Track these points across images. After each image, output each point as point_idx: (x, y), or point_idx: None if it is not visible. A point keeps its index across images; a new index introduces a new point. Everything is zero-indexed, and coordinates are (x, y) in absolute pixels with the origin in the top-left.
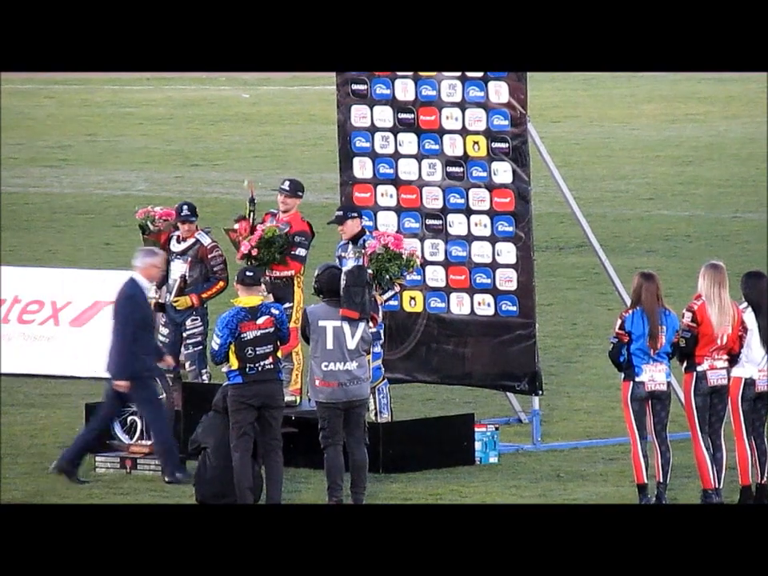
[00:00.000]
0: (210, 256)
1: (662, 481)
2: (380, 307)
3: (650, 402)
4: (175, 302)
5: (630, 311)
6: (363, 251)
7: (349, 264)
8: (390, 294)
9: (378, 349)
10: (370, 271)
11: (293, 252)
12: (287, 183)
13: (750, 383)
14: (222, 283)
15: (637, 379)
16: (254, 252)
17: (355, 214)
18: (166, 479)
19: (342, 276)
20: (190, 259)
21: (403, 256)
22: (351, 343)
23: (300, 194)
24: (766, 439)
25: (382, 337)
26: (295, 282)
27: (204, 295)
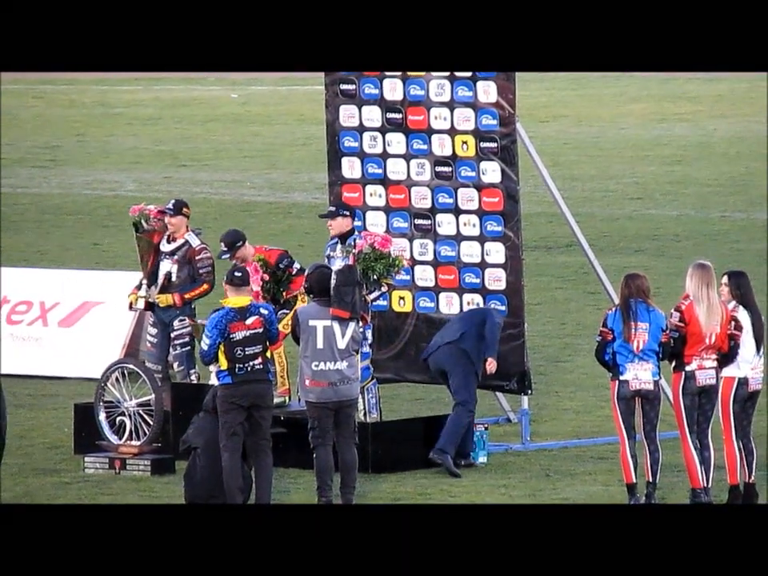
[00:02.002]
0: (197, 258)
1: (650, 480)
2: (368, 307)
3: (638, 401)
4: (157, 298)
5: (613, 309)
6: (352, 250)
7: (337, 263)
8: (376, 293)
9: (366, 349)
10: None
11: (293, 273)
12: (222, 245)
13: (743, 383)
14: (206, 286)
15: (621, 378)
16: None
17: (347, 213)
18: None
19: (333, 275)
20: (177, 259)
21: (391, 256)
22: (341, 343)
23: (239, 244)
24: (752, 438)
25: (370, 337)
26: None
27: (187, 296)
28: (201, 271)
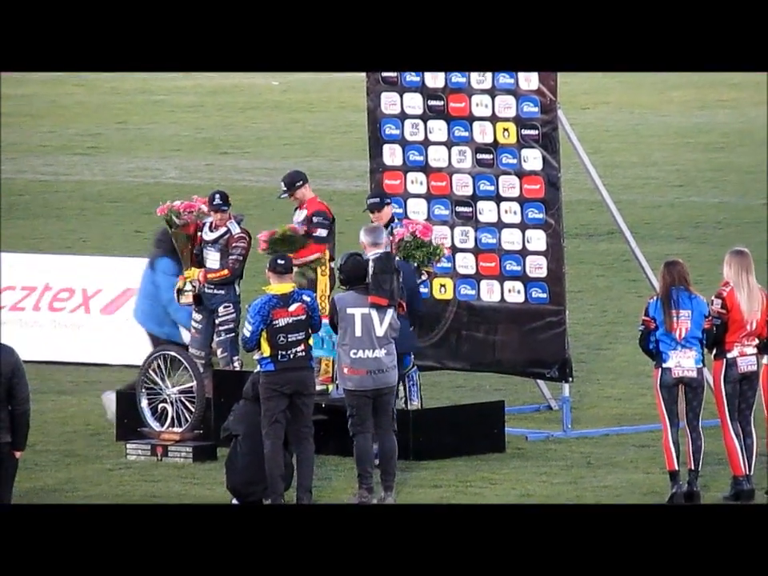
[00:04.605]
0: (233, 244)
1: (693, 468)
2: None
3: (682, 388)
4: (186, 273)
5: (654, 297)
6: (392, 238)
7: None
8: (417, 281)
9: None
10: (397, 258)
11: (313, 234)
12: (282, 185)
13: None
14: (226, 271)
15: (664, 365)
16: (264, 246)
17: (389, 200)
18: None
19: (370, 263)
20: (219, 247)
21: (432, 244)
22: (380, 330)
23: (298, 183)
24: None
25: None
26: (318, 271)
27: (209, 275)
28: (230, 257)
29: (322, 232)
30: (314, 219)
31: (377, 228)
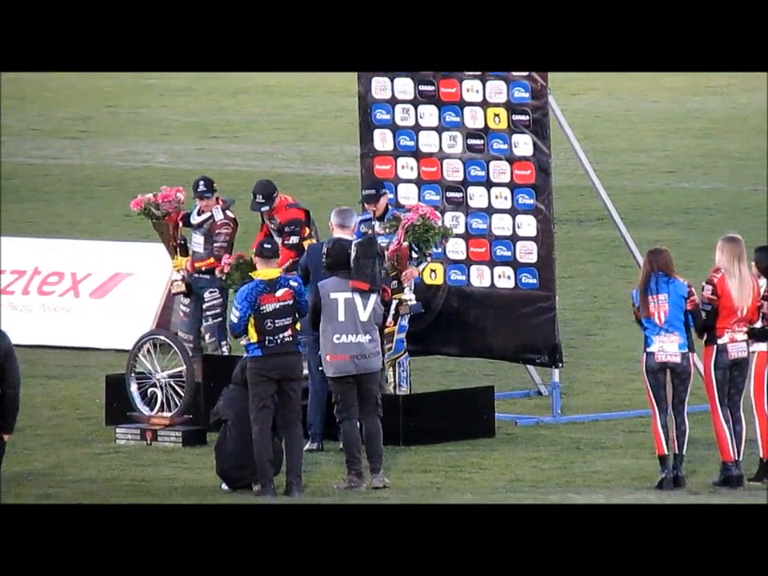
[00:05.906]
0: (216, 231)
1: (677, 452)
2: (412, 281)
3: (668, 373)
4: (173, 262)
5: (636, 287)
6: (398, 224)
7: (380, 240)
8: (424, 265)
9: (404, 322)
10: (405, 244)
11: (285, 241)
12: (260, 197)
13: None
14: (212, 259)
15: (648, 350)
16: (226, 269)
17: (385, 191)
18: None
19: (353, 247)
20: (203, 232)
21: (438, 226)
22: (363, 315)
23: (275, 194)
24: None
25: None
26: None
27: (197, 264)
28: (215, 244)
29: (293, 239)
30: (286, 229)
31: (347, 210)
